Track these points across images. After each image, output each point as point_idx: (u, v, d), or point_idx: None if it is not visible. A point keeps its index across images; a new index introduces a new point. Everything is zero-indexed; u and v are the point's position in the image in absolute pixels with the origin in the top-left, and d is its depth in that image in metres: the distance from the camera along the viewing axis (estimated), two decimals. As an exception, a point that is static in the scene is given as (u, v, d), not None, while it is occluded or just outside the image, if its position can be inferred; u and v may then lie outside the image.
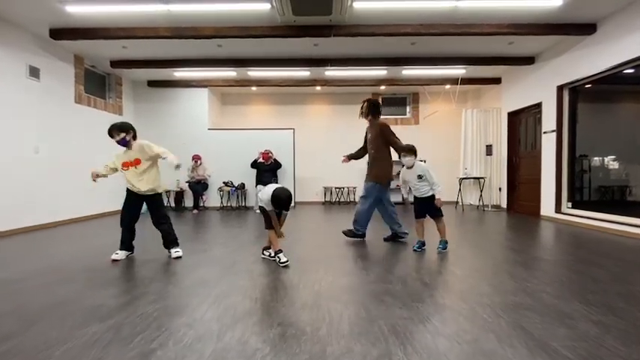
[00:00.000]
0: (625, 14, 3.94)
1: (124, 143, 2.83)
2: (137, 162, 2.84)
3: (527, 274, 2.40)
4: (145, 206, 2.97)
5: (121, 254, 2.88)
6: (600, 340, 1.47)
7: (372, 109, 3.60)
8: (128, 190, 2.91)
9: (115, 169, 2.92)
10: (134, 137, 2.89)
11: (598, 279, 2.30)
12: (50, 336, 1.53)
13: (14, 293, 2.10)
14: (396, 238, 3.59)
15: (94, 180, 2.89)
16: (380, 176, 3.54)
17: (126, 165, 2.85)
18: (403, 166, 3.24)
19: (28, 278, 2.39)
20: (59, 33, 4.43)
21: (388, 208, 3.59)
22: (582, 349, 1.41)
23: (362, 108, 3.67)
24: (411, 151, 3.16)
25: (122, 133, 2.80)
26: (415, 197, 3.24)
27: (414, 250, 3.13)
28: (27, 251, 3.28)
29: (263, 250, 2.97)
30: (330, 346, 1.43)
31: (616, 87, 4.57)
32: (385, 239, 3.59)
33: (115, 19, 4.17)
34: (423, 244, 3.17)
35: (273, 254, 2.81)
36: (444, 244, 3.12)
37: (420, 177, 3.13)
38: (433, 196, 3.12)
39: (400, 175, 3.31)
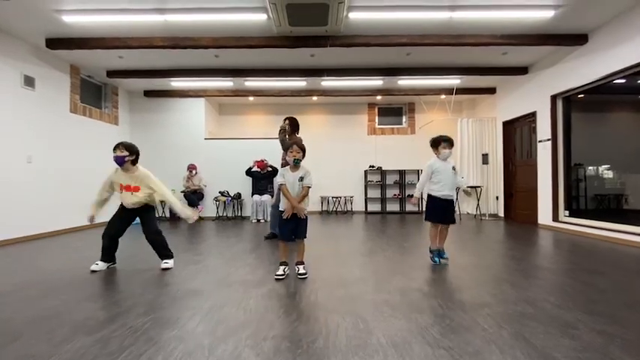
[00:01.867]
0: (615, 25, 4.01)
1: (120, 161, 2.75)
2: (136, 189, 2.79)
3: (528, 283, 2.36)
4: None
5: (100, 265, 2.80)
6: (605, 351, 1.43)
7: (292, 127, 4.11)
8: (121, 204, 2.86)
9: (111, 192, 2.85)
10: (134, 162, 2.82)
11: (600, 287, 2.27)
12: (34, 350, 1.46)
13: (-1, 306, 2.03)
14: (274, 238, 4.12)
15: (92, 222, 2.81)
16: None
17: (122, 188, 2.80)
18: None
19: (16, 290, 2.31)
20: (55, 43, 4.43)
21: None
22: (587, 359, 1.36)
23: (287, 125, 4.05)
24: (451, 142, 2.91)
25: (126, 152, 2.75)
26: (436, 198, 2.92)
27: (436, 263, 2.91)
28: (16, 262, 3.19)
29: (296, 264, 2.67)
30: (327, 359, 1.38)
31: (608, 96, 4.63)
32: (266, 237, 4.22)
33: (112, 30, 4.18)
34: (439, 252, 2.96)
35: (302, 270, 2.58)
36: (445, 253, 2.95)
37: (454, 169, 2.92)
38: (453, 199, 2.96)
39: (427, 170, 2.97)
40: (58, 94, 5.05)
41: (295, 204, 2.52)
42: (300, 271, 2.57)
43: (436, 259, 2.95)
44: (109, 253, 2.86)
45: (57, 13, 3.78)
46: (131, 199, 2.79)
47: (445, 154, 2.94)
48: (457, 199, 6.75)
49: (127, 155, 2.76)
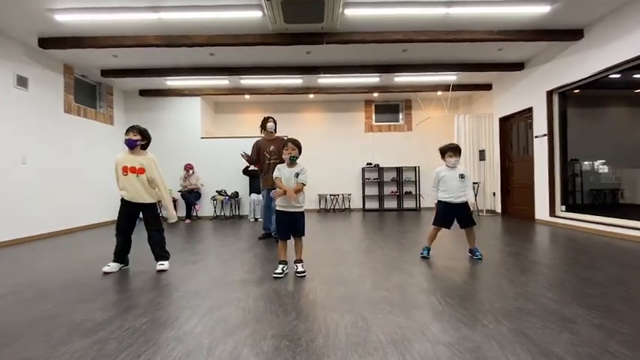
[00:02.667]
0: (610, 20, 4.02)
1: (131, 144, 2.75)
2: (141, 171, 2.76)
3: (527, 279, 2.37)
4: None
5: (113, 266, 2.76)
6: (604, 345, 1.43)
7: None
8: (122, 200, 2.80)
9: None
10: (144, 147, 2.84)
11: (597, 282, 2.28)
12: (31, 353, 1.44)
13: (-6, 309, 2.00)
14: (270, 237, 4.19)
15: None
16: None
17: (125, 170, 2.74)
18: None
19: (12, 292, 2.29)
20: (48, 42, 4.37)
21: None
22: (586, 354, 1.36)
23: (273, 124, 4.15)
24: (458, 151, 2.99)
25: (139, 135, 2.77)
26: (444, 202, 2.98)
27: (422, 257, 3.02)
28: (13, 264, 3.16)
29: (295, 263, 2.64)
30: (327, 357, 1.37)
31: (604, 91, 4.65)
32: (260, 238, 4.22)
33: (106, 28, 4.14)
34: (429, 250, 3.07)
35: (300, 269, 2.57)
36: (477, 251, 2.98)
37: (461, 177, 2.95)
38: (466, 202, 2.97)
39: (434, 176, 3.07)
40: (51, 94, 5.00)
41: (288, 189, 2.51)
42: (298, 270, 2.56)
43: (425, 252, 3.06)
44: (121, 254, 2.82)
45: (49, 12, 3.73)
46: (133, 185, 2.73)
47: (450, 162, 3.00)
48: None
49: (140, 139, 2.77)
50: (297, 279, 2.47)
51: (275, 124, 4.19)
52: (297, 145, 2.60)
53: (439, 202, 3.04)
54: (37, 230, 4.63)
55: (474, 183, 6.69)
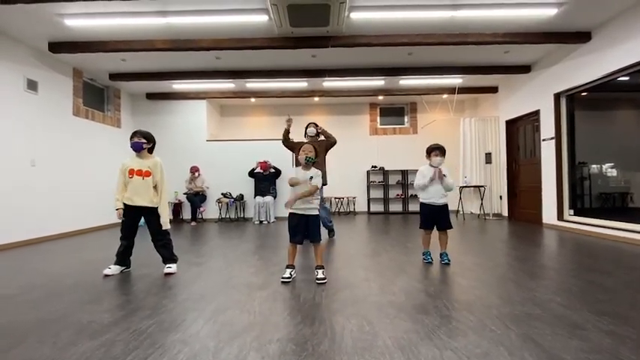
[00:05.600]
0: (618, 22, 3.98)
1: (138, 147, 2.78)
2: (147, 174, 2.79)
3: (535, 284, 2.34)
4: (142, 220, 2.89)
5: (114, 269, 2.77)
6: (615, 352, 1.40)
7: None
8: (125, 205, 2.80)
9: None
10: (150, 150, 2.88)
11: (607, 287, 2.24)
12: (38, 354, 1.45)
13: (2, 310, 2.02)
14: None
15: (122, 217, 2.80)
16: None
17: (132, 173, 2.76)
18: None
19: (20, 293, 2.31)
20: (58, 46, 4.45)
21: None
22: (597, 361, 1.34)
23: (314, 129, 4.37)
24: (444, 151, 2.98)
25: (143, 139, 2.81)
26: (426, 205, 3.01)
27: (427, 262, 2.99)
28: (19, 265, 3.20)
29: (315, 269, 2.57)
30: (333, 362, 1.36)
31: (612, 94, 4.59)
32: None
33: (114, 33, 4.19)
34: (430, 253, 3.06)
35: (320, 275, 2.50)
36: (446, 256, 2.98)
37: (444, 176, 2.95)
38: (446, 204, 2.98)
39: (419, 174, 3.03)
40: (61, 98, 5.07)
41: (299, 194, 2.52)
42: (319, 276, 2.48)
43: (428, 258, 3.03)
44: (123, 256, 2.84)
45: (59, 17, 3.79)
46: (137, 188, 2.75)
47: (436, 161, 3.00)
48: (460, 199, 6.74)
49: (145, 142, 2.81)
50: (302, 282, 2.46)
51: (316, 128, 4.32)
52: (315, 148, 2.62)
53: (422, 204, 3.05)
54: (45, 232, 4.68)
55: (480, 186, 6.65)
